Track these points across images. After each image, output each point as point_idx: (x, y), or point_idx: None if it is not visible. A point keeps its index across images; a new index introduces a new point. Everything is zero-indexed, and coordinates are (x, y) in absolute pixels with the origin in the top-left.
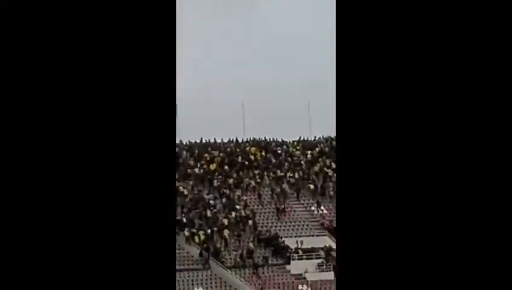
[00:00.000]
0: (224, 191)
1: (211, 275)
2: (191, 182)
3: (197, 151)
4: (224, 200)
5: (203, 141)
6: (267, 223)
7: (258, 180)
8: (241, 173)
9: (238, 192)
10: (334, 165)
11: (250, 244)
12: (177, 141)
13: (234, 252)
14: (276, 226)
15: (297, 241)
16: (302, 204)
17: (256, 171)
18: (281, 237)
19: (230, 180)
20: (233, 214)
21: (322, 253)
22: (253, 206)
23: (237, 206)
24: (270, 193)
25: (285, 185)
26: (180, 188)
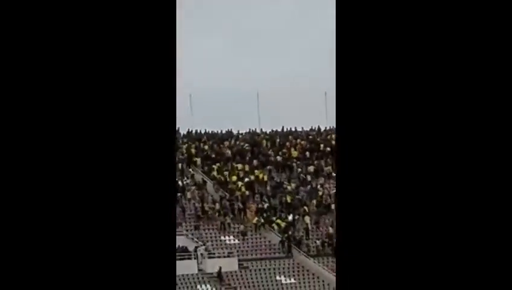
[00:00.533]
0: (305, 178)
1: (293, 263)
2: (269, 169)
3: (278, 140)
4: (306, 187)
5: (285, 129)
6: None
7: None
8: (322, 160)
9: (321, 180)
10: None
11: (330, 230)
12: (258, 130)
13: (317, 241)
14: None
15: None
16: None
17: None
18: None
19: (311, 168)
20: (315, 201)
21: None
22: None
23: (319, 193)
24: None
25: None
26: (260, 175)
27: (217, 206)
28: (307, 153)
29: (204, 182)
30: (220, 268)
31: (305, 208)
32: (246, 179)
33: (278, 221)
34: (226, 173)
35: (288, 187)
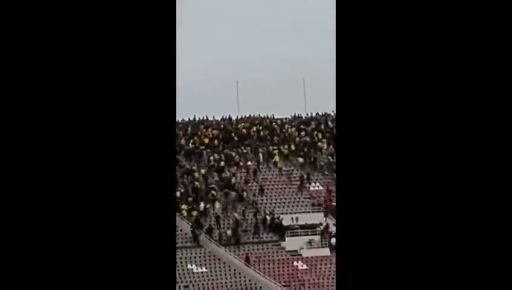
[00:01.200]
0: (216, 166)
1: (204, 252)
2: (179, 157)
3: (189, 129)
4: (216, 175)
5: (197, 119)
6: (261, 199)
7: (248, 154)
8: (234, 149)
9: (232, 168)
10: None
11: (236, 215)
12: None
13: (228, 230)
14: (270, 203)
15: (292, 218)
16: (297, 180)
17: (248, 148)
18: (275, 214)
19: (223, 156)
20: (226, 190)
21: (318, 229)
22: (244, 182)
23: (232, 181)
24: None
25: (276, 159)
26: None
27: None
28: (218, 142)
29: None
30: None
31: (216, 195)
32: None
33: (184, 206)
34: None
35: (196, 174)
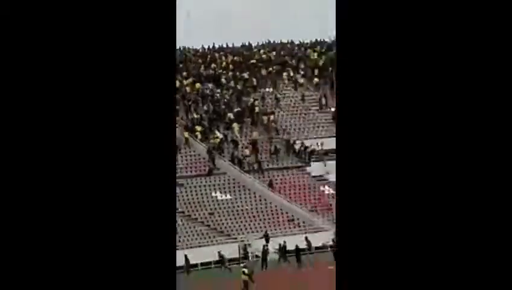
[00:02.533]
0: (235, 92)
1: (228, 179)
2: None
3: (209, 57)
4: (235, 97)
5: (216, 46)
6: (286, 124)
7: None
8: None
9: (252, 95)
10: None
11: (255, 134)
12: (187, 46)
13: (248, 158)
14: (293, 128)
15: (317, 143)
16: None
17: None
18: (297, 139)
19: (242, 82)
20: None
21: None
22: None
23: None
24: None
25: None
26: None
27: None
28: (237, 69)
29: None
30: None
31: (232, 118)
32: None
33: (198, 128)
34: None
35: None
